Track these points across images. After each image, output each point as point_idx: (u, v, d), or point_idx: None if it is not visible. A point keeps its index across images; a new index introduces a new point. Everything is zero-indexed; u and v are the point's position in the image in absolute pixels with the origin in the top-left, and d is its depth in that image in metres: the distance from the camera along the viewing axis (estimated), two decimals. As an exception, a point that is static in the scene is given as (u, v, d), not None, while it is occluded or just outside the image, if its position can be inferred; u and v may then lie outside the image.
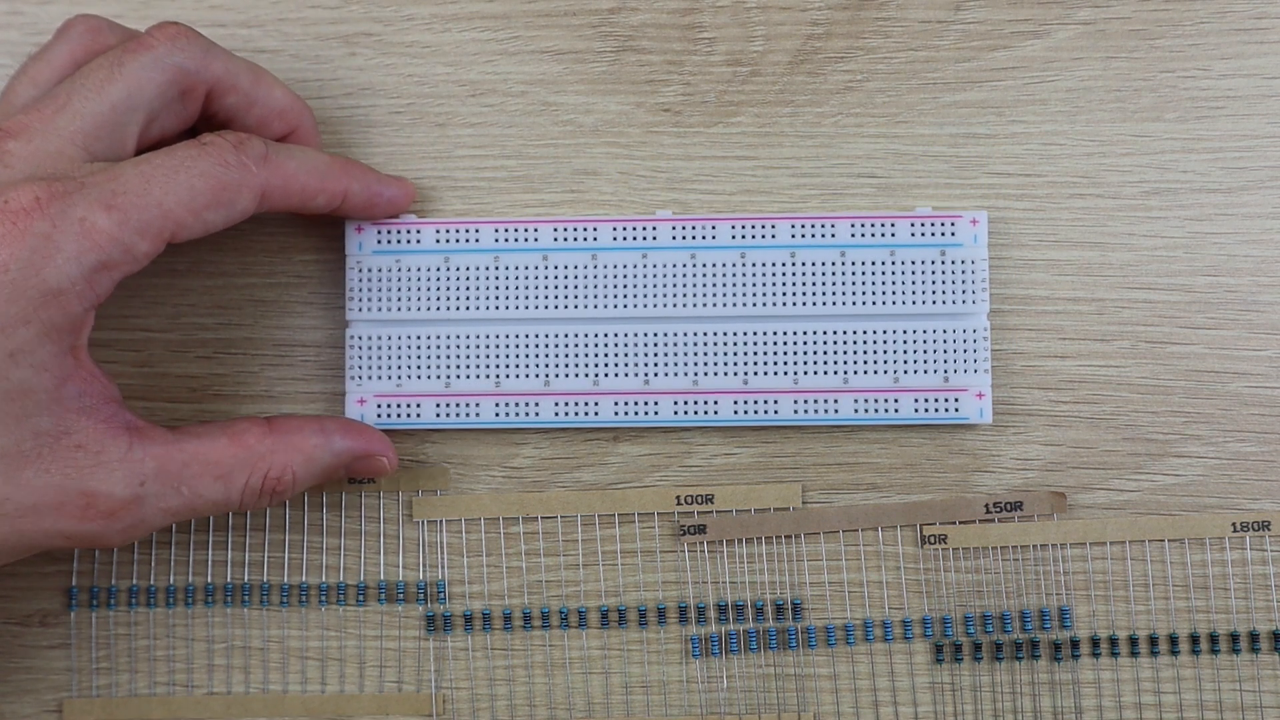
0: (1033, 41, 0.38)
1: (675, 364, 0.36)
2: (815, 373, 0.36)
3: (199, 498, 0.31)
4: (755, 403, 0.36)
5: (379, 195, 0.35)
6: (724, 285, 0.36)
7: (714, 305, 0.36)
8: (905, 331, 0.36)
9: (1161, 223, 0.37)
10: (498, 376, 0.36)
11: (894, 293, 0.36)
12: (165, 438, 0.31)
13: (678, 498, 0.37)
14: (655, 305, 0.36)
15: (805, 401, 0.36)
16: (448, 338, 0.36)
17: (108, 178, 0.29)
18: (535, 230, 0.36)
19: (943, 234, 0.36)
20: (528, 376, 0.36)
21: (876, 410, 0.36)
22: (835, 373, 0.36)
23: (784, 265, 0.36)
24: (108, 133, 0.30)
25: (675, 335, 0.36)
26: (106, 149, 0.31)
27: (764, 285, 0.36)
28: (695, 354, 0.36)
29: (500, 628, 0.37)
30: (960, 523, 0.37)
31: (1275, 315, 0.37)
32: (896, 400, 0.36)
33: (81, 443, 0.29)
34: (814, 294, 0.36)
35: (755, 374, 0.36)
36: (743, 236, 0.36)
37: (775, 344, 0.36)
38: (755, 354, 0.36)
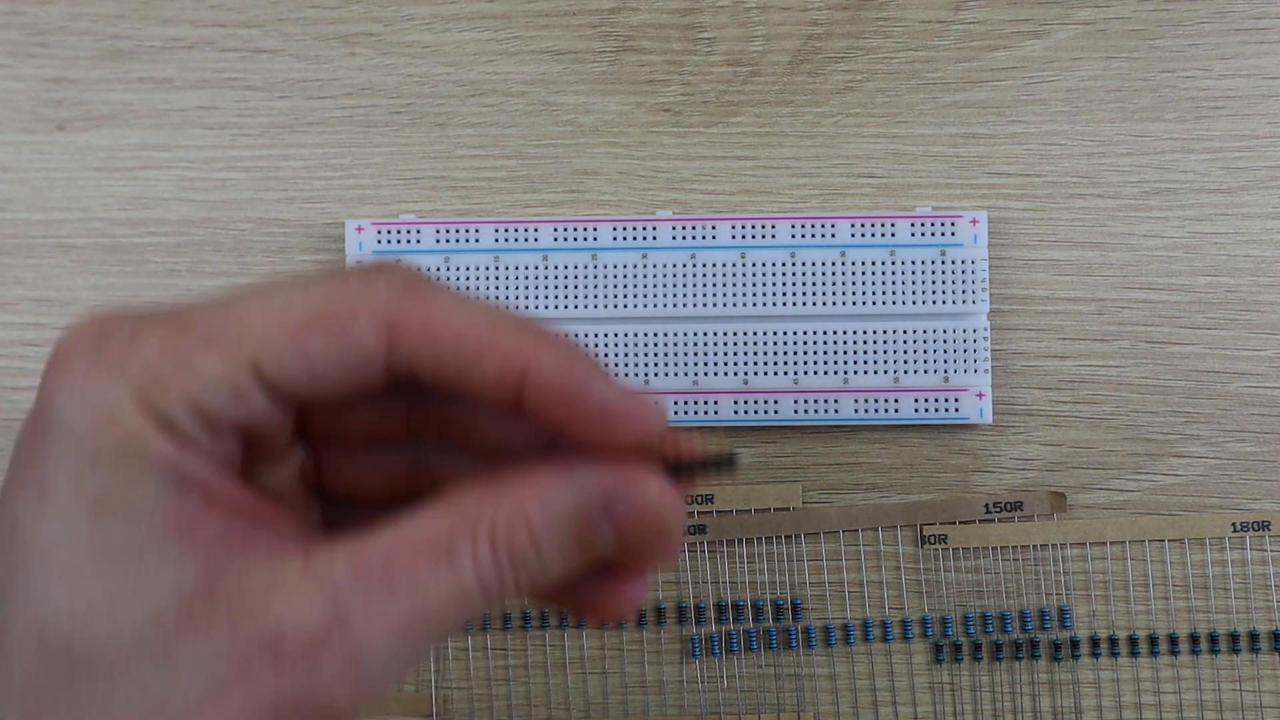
0: (1033, 41, 0.38)
1: (675, 364, 0.36)
2: (815, 373, 0.36)
3: (424, 592, 0.21)
4: (755, 403, 0.36)
5: (586, 391, 0.22)
6: (724, 285, 0.36)
7: (714, 305, 0.36)
8: (905, 331, 0.36)
9: (1161, 223, 0.37)
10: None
11: (894, 293, 0.36)
12: (344, 540, 0.21)
13: (678, 498, 0.37)
14: (655, 305, 0.36)
15: (805, 401, 0.36)
16: (448, 337, 0.36)
17: (178, 307, 0.22)
18: (535, 230, 0.36)
19: (943, 234, 0.36)
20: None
21: (876, 410, 0.36)
22: (835, 373, 0.36)
23: (784, 265, 0.36)
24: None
25: (675, 335, 0.36)
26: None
27: (764, 285, 0.36)
28: (696, 354, 0.36)
29: (500, 628, 0.37)
30: (960, 523, 0.37)
31: (1275, 315, 0.37)
32: (896, 400, 0.36)
33: (243, 580, 0.20)
34: (814, 294, 0.36)
35: (755, 374, 0.36)
36: (743, 236, 0.36)
37: (775, 344, 0.36)
38: (755, 354, 0.36)
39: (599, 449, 0.22)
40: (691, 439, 0.23)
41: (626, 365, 0.36)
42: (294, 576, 0.20)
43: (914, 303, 0.36)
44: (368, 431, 0.24)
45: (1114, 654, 0.36)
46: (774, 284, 0.36)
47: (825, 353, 0.36)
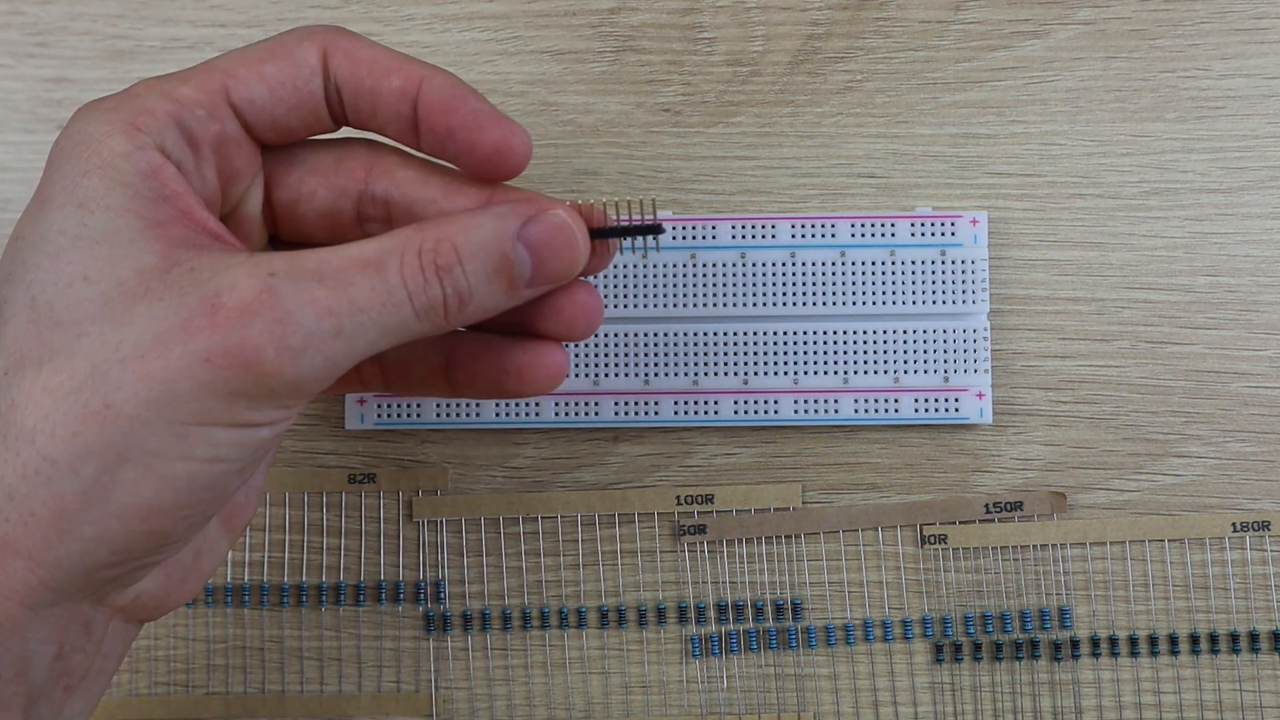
0: (1033, 41, 0.38)
1: (675, 364, 0.36)
2: (815, 373, 0.36)
3: (350, 286, 0.25)
4: (755, 403, 0.36)
5: (464, 100, 0.28)
6: (724, 285, 0.36)
7: (714, 305, 0.36)
8: (905, 331, 0.36)
9: (1161, 223, 0.37)
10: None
11: (894, 293, 0.36)
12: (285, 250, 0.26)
13: (678, 498, 0.37)
14: (655, 305, 0.36)
15: (805, 401, 0.36)
16: (448, 338, 0.36)
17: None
18: (535, 230, 0.36)
19: (943, 234, 0.36)
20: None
21: (877, 410, 0.36)
22: (835, 373, 0.36)
23: (784, 265, 0.36)
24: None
25: (675, 335, 0.36)
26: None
27: (764, 285, 0.36)
28: (695, 354, 0.36)
29: (499, 628, 0.37)
30: (960, 523, 0.37)
31: (1275, 315, 0.37)
32: (896, 400, 0.36)
33: (195, 266, 0.24)
34: (814, 294, 0.36)
35: (755, 374, 0.36)
36: (743, 236, 0.36)
37: (775, 344, 0.36)
38: (755, 354, 0.36)
39: (519, 199, 0.28)
40: (610, 207, 0.28)
41: (627, 365, 0.36)
42: (236, 262, 0.24)
43: (914, 303, 0.36)
44: (325, 197, 0.29)
45: (1114, 654, 0.36)
46: (774, 284, 0.36)
47: (825, 353, 0.36)
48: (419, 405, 0.36)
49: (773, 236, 0.36)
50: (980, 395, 0.36)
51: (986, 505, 0.37)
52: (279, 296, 0.24)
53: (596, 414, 0.36)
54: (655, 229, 0.29)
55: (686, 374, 0.36)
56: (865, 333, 0.36)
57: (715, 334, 0.36)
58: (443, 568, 0.37)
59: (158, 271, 0.24)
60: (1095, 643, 0.36)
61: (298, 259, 0.25)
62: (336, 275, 0.25)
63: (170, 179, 0.25)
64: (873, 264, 0.36)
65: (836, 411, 0.36)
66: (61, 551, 0.24)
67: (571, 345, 0.36)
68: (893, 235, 0.36)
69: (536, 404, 0.36)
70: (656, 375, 0.36)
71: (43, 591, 0.24)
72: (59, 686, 0.26)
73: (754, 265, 0.36)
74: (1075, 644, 0.36)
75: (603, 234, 0.28)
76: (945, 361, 0.36)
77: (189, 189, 0.26)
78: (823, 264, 0.36)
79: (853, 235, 0.36)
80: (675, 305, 0.36)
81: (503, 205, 0.27)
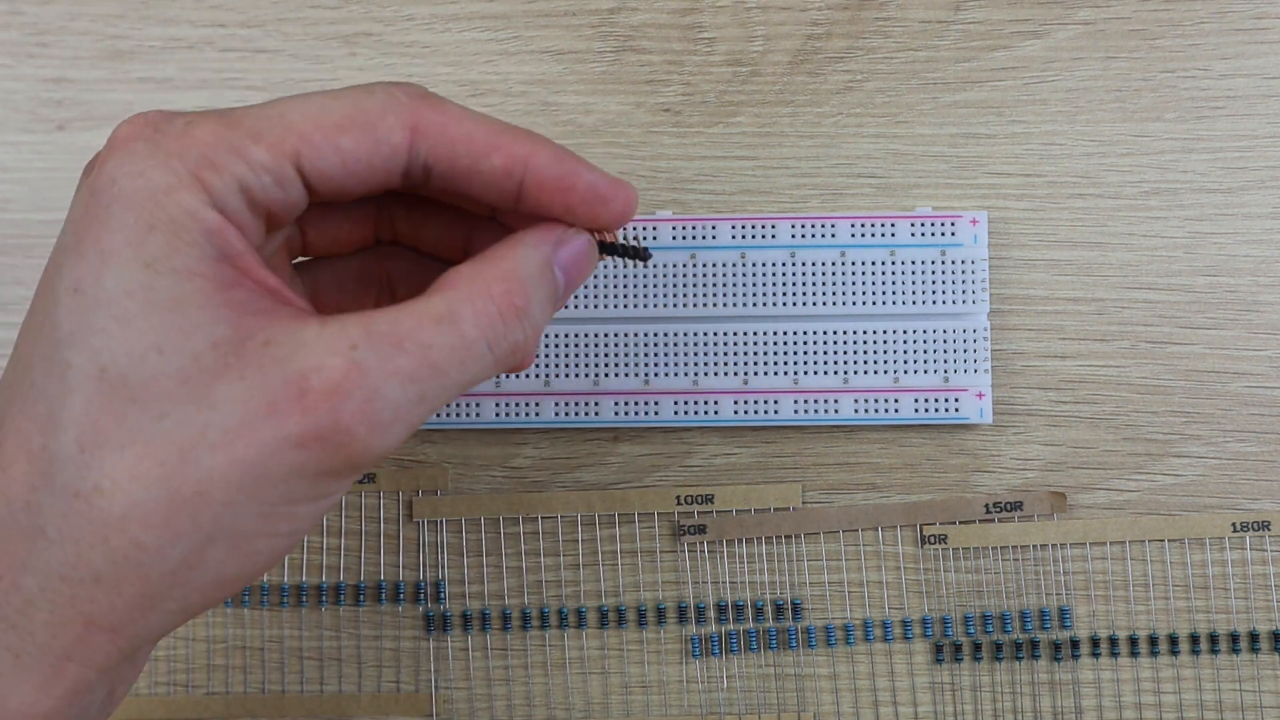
0: (1033, 41, 0.38)
1: (675, 364, 0.36)
2: (815, 373, 0.36)
3: (429, 349, 0.24)
4: (755, 403, 0.36)
5: (576, 174, 0.27)
6: (724, 285, 0.36)
7: (714, 305, 0.36)
8: (905, 331, 0.36)
9: (1161, 223, 0.37)
10: (498, 376, 0.36)
11: (894, 293, 0.36)
12: (361, 312, 0.25)
13: (678, 498, 0.37)
14: (655, 305, 0.36)
15: (805, 401, 0.36)
16: (448, 338, 0.36)
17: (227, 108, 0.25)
18: (535, 230, 0.36)
19: (943, 234, 0.36)
20: (528, 376, 0.36)
21: (876, 410, 0.36)
22: (835, 373, 0.36)
23: (784, 265, 0.36)
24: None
25: (675, 335, 0.36)
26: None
27: (764, 285, 0.36)
28: (695, 354, 0.36)
29: (499, 628, 0.37)
30: (960, 523, 0.37)
31: (1275, 315, 0.37)
32: (896, 400, 0.36)
33: (270, 338, 0.24)
34: (814, 294, 0.36)
35: (755, 374, 0.36)
36: (743, 236, 0.36)
37: (775, 344, 0.36)
38: (755, 354, 0.36)
39: (538, 220, 0.27)
40: (618, 230, 0.28)
41: (627, 365, 0.36)
42: (312, 336, 0.24)
43: (914, 303, 0.36)
44: (349, 226, 0.29)
45: (1114, 654, 0.36)
46: (774, 284, 0.36)
47: (825, 353, 0.36)
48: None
49: (773, 236, 0.36)
50: (980, 395, 0.36)
51: (986, 505, 0.37)
52: (365, 373, 0.23)
53: (596, 414, 0.36)
54: (644, 254, 0.29)
55: (686, 374, 0.36)
56: (865, 333, 0.36)
57: (715, 334, 0.36)
58: (443, 568, 0.37)
59: (232, 344, 0.23)
60: (1095, 643, 0.36)
61: (370, 323, 0.24)
62: (413, 337, 0.24)
63: (233, 239, 0.24)
64: (873, 264, 0.36)
65: (836, 411, 0.36)
66: (143, 625, 0.24)
67: (571, 346, 0.36)
68: (893, 235, 0.36)
69: (537, 404, 0.36)
70: (656, 375, 0.36)
71: (120, 658, 0.24)
72: (103, 714, 0.26)
73: (754, 265, 0.36)
74: (1075, 644, 0.36)
75: (604, 249, 0.28)
76: (945, 361, 0.36)
77: (250, 248, 0.25)
78: (823, 264, 0.36)
79: (853, 235, 0.36)
80: (675, 305, 0.36)
81: (533, 234, 0.27)
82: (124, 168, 0.24)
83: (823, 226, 0.36)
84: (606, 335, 0.36)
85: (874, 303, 0.36)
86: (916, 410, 0.36)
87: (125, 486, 0.23)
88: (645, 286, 0.36)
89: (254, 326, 0.24)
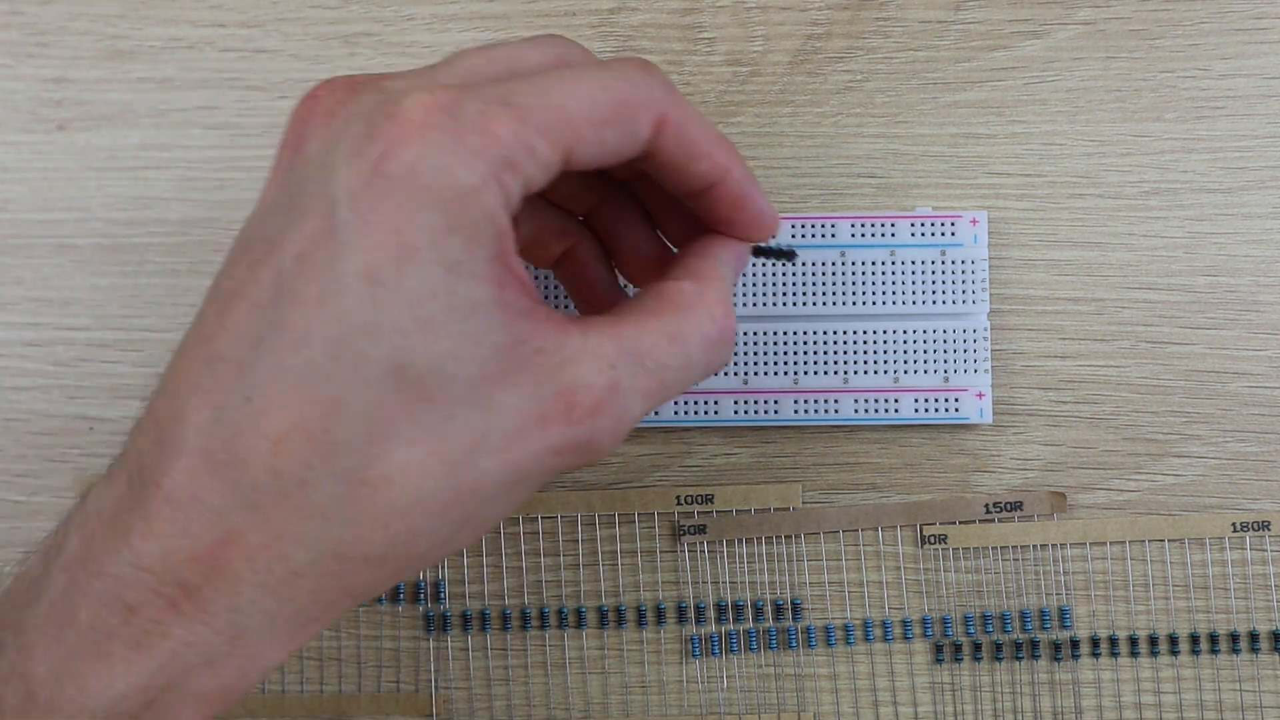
0: (1033, 41, 0.38)
1: (675, 364, 0.36)
2: (815, 373, 0.36)
3: (665, 369, 0.26)
4: (755, 403, 0.36)
5: (753, 198, 0.29)
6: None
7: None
8: (905, 331, 0.36)
9: (1161, 223, 0.37)
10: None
11: (894, 293, 0.36)
12: (603, 322, 0.27)
13: (678, 498, 0.37)
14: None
15: (805, 401, 0.36)
16: (447, 337, 0.36)
17: (500, 82, 0.25)
18: (535, 230, 0.36)
19: (943, 234, 0.36)
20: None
21: (876, 410, 0.36)
22: (835, 373, 0.36)
23: (784, 265, 0.36)
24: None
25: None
26: None
27: (763, 285, 0.36)
28: (695, 354, 0.36)
29: (499, 628, 0.37)
30: (960, 523, 0.37)
31: (1275, 315, 0.37)
32: (896, 400, 0.36)
33: (540, 346, 0.25)
34: (814, 294, 0.36)
35: (755, 374, 0.36)
36: (743, 236, 0.36)
37: (775, 344, 0.36)
38: (755, 354, 0.36)
39: (719, 229, 0.29)
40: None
41: (626, 365, 0.36)
42: (576, 349, 0.25)
43: (914, 303, 0.36)
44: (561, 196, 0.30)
45: (1114, 654, 0.36)
46: (773, 284, 0.36)
47: (825, 353, 0.36)
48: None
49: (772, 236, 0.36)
50: (980, 395, 0.36)
51: (986, 505, 0.37)
52: (619, 392, 0.25)
53: (596, 414, 0.36)
54: (790, 255, 0.32)
55: (686, 374, 0.36)
56: (865, 333, 0.36)
57: (715, 334, 0.36)
58: (442, 567, 0.37)
59: (508, 349, 0.24)
60: (1095, 643, 0.36)
61: (620, 340, 0.26)
62: (653, 356, 0.26)
63: (509, 240, 0.25)
64: (873, 264, 0.36)
65: (836, 411, 0.36)
66: (380, 588, 0.26)
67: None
68: (893, 235, 0.36)
69: (536, 404, 0.36)
70: (656, 375, 0.36)
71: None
72: None
73: (753, 265, 0.36)
74: (1075, 644, 0.36)
75: (757, 251, 0.31)
76: (945, 361, 0.36)
77: (515, 247, 0.25)
78: (823, 264, 0.36)
79: (853, 235, 0.36)
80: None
81: (726, 251, 0.29)
82: (426, 160, 0.23)
83: (823, 226, 0.36)
84: (606, 335, 0.36)
85: (874, 303, 0.36)
86: (916, 410, 0.36)
87: (415, 480, 0.24)
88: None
89: (524, 331, 0.25)
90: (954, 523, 0.37)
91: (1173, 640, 0.36)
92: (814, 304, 0.36)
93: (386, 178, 0.23)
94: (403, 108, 0.24)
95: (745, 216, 0.29)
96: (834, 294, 0.36)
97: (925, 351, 0.36)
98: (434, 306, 0.23)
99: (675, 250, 0.31)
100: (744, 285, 0.36)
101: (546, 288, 0.36)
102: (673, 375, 0.27)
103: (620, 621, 0.37)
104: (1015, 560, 0.37)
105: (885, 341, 0.36)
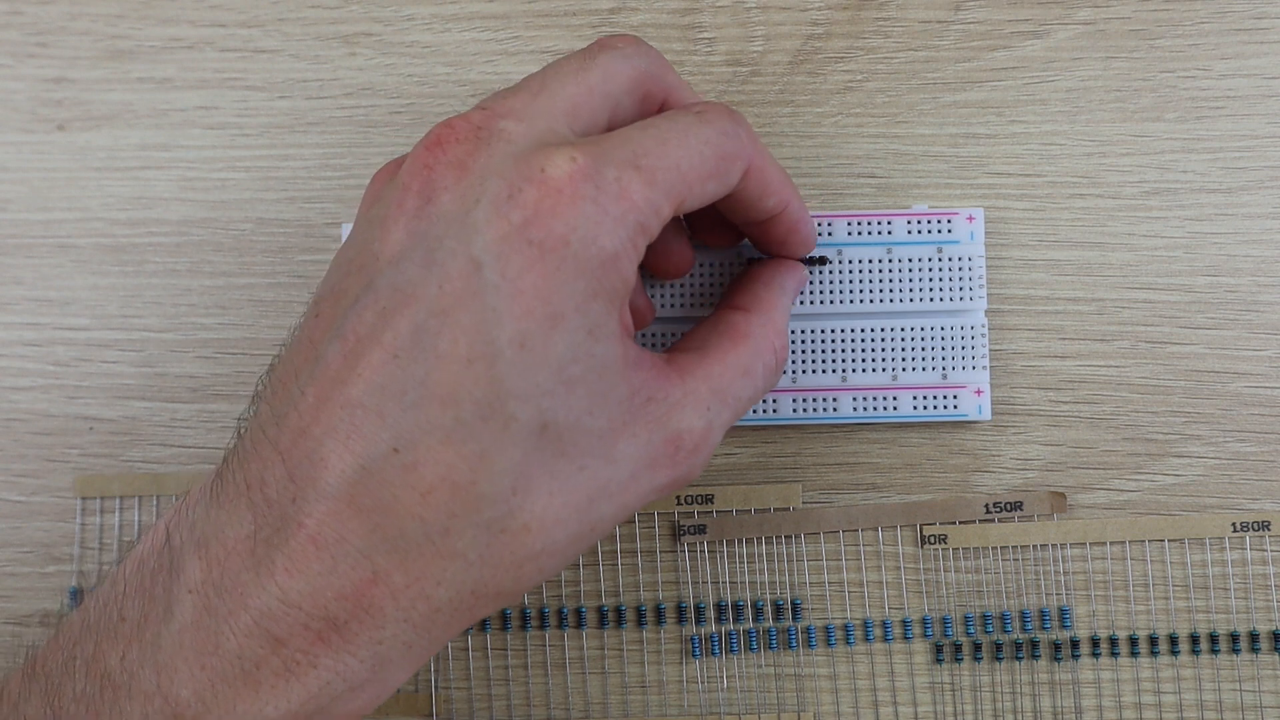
0: (1033, 41, 0.38)
1: (674, 363, 0.36)
2: (813, 371, 0.36)
3: (740, 401, 0.29)
4: (755, 402, 0.36)
5: (806, 223, 0.32)
6: (723, 285, 0.36)
7: (713, 305, 0.36)
8: (903, 329, 0.36)
9: (1161, 223, 0.37)
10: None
11: (891, 290, 0.36)
12: (693, 362, 0.29)
13: (678, 498, 0.37)
14: (655, 305, 0.36)
15: (804, 400, 0.36)
16: (447, 337, 0.36)
17: (622, 140, 0.27)
18: (535, 230, 0.36)
19: (939, 231, 0.36)
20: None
21: (875, 408, 0.36)
22: (834, 371, 0.36)
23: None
24: (586, 115, 0.28)
25: (675, 335, 0.36)
26: (585, 131, 0.28)
27: (763, 285, 0.36)
28: (695, 353, 0.36)
29: (499, 628, 0.37)
30: (960, 523, 0.37)
31: (1275, 315, 0.37)
32: (895, 398, 0.36)
33: (651, 395, 0.27)
34: (811, 292, 0.36)
35: (755, 373, 0.36)
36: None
37: (775, 343, 0.36)
38: (755, 353, 0.36)
39: (770, 250, 0.33)
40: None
41: (626, 365, 0.36)
42: (679, 395, 0.28)
43: (912, 300, 0.36)
44: None
45: (1114, 654, 0.36)
46: (773, 283, 0.36)
47: (823, 351, 0.36)
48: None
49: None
50: (979, 392, 0.36)
51: (986, 505, 0.37)
52: (712, 431, 0.28)
53: (596, 413, 0.36)
54: (823, 260, 0.35)
55: (686, 373, 0.36)
56: (863, 331, 0.36)
57: (715, 333, 0.36)
58: (442, 567, 0.37)
59: (628, 400, 0.27)
60: (1095, 643, 0.36)
61: (710, 381, 0.29)
62: (732, 392, 0.29)
63: (629, 294, 0.27)
64: (870, 262, 0.36)
65: (835, 410, 0.36)
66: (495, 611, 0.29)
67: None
68: (889, 233, 0.36)
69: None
70: (656, 375, 0.36)
71: None
72: None
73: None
74: (1075, 644, 0.36)
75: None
76: (943, 358, 0.36)
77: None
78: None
79: (849, 233, 0.36)
80: (675, 305, 0.36)
81: (789, 278, 0.32)
82: (577, 231, 0.25)
83: (820, 225, 0.36)
84: (606, 335, 0.36)
85: (871, 300, 0.36)
86: (915, 407, 0.36)
87: (549, 529, 0.26)
88: (645, 286, 0.36)
89: (638, 382, 0.27)
90: (954, 523, 0.37)
91: (1173, 640, 0.36)
92: (811, 302, 0.36)
93: (536, 246, 0.25)
94: (548, 175, 0.25)
95: (797, 239, 0.32)
96: (831, 292, 0.36)
97: (923, 349, 0.36)
98: (576, 369, 0.25)
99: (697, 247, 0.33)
100: (743, 285, 0.36)
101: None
102: (745, 405, 0.30)
103: (620, 621, 0.37)
104: (1015, 560, 0.37)
105: (883, 339, 0.36)
